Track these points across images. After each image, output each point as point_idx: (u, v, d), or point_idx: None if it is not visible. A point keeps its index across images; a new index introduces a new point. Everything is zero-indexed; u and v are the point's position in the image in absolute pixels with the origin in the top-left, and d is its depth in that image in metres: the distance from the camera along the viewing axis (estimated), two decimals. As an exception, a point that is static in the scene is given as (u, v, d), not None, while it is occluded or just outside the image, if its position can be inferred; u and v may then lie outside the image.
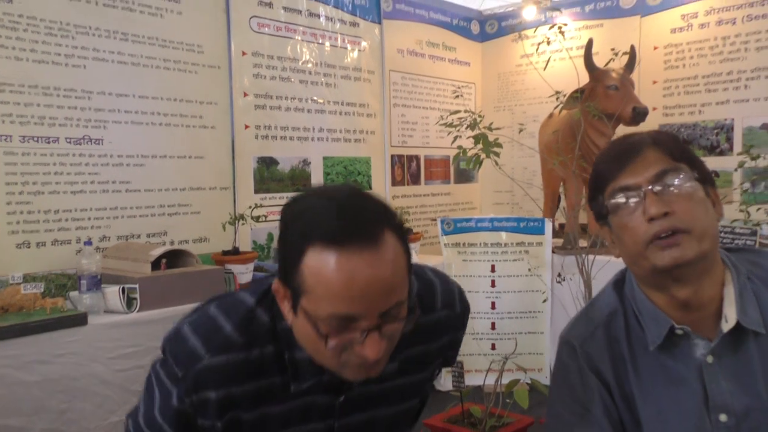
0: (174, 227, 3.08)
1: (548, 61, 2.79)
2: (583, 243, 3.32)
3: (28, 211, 2.63)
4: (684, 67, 3.59)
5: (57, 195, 2.71)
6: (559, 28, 2.62)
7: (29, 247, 2.63)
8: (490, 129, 2.57)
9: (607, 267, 2.50)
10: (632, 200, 1.00)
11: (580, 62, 3.07)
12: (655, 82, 3.60)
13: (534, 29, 3.41)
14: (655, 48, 3.69)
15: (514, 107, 4.43)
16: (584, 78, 3.15)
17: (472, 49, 4.60)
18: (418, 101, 4.27)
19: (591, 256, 2.76)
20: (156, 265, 2.53)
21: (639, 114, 2.79)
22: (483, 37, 4.57)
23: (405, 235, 0.94)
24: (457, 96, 3.95)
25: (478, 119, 2.51)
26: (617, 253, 1.06)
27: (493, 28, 4.52)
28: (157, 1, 3.01)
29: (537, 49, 2.64)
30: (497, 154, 2.58)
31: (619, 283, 1.13)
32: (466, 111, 2.63)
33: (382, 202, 0.94)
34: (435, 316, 1.12)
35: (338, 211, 0.88)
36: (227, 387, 0.98)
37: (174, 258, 2.65)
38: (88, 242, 2.47)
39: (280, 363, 1.00)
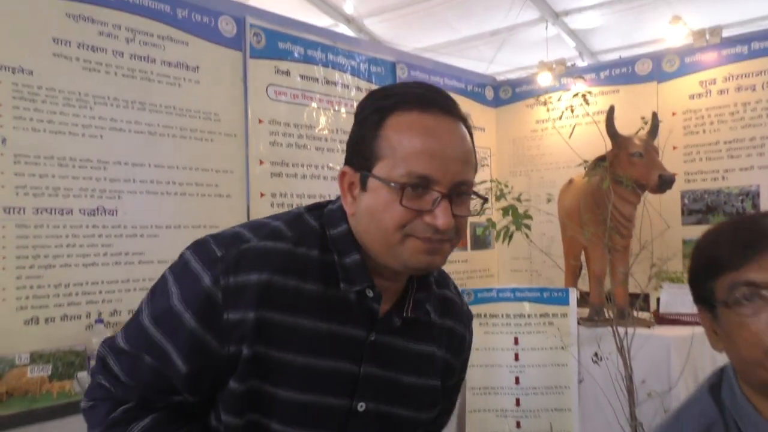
0: (187, 299, 2.98)
1: (573, 128, 2.75)
2: (608, 314, 3.20)
3: (38, 286, 2.54)
4: (704, 132, 3.55)
5: (68, 268, 2.62)
6: (584, 96, 2.58)
7: (37, 324, 2.53)
8: (519, 200, 2.50)
9: (647, 345, 2.38)
10: (760, 300, 0.89)
11: (593, 128, 3.01)
12: (675, 148, 3.56)
13: (549, 96, 3.40)
14: (674, 114, 3.67)
15: (531, 172, 4.39)
16: (598, 143, 3.09)
17: (487, 114, 4.60)
18: (433, 166, 4.21)
19: (628, 331, 2.61)
20: (169, 342, 2.42)
21: (665, 182, 2.73)
22: (497, 102, 4.58)
23: (470, 132, 0.98)
24: (483, 166, 3.91)
25: (506, 189, 2.44)
26: (720, 347, 0.95)
27: (507, 94, 4.53)
28: (176, 71, 3.00)
29: (561, 117, 2.60)
30: (528, 227, 2.50)
31: (715, 387, 1.01)
32: (492, 180, 2.57)
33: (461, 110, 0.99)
34: (453, 295, 1.17)
35: (419, 86, 0.96)
36: (271, 273, 0.92)
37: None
38: (99, 320, 2.38)
39: (324, 271, 0.97)
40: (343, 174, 0.98)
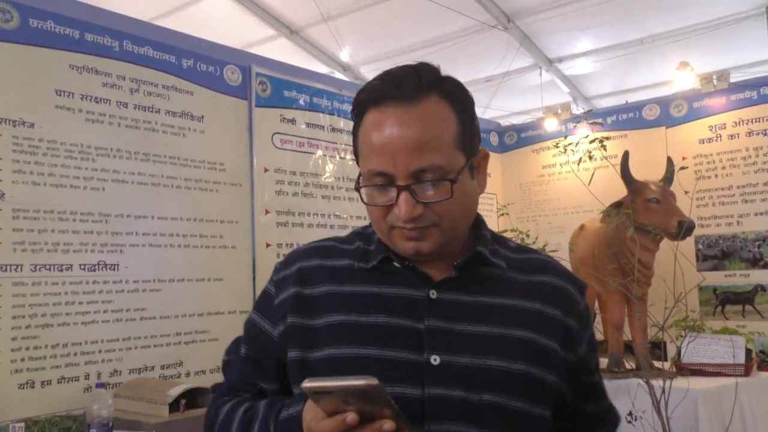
0: (190, 357, 2.84)
1: (593, 173, 2.68)
2: (629, 364, 3.09)
3: (35, 347, 2.40)
4: (716, 177, 3.51)
5: (67, 327, 2.49)
6: (601, 141, 2.53)
7: (33, 387, 2.39)
8: (543, 250, 2.41)
9: (685, 402, 2.25)
10: None
11: (604, 173, 2.95)
12: (687, 193, 3.51)
13: (568, 141, 3.34)
14: (684, 158, 3.63)
15: (539, 218, 4.32)
16: (609, 188, 3.02)
17: (492, 159, 4.53)
18: (439, 213, 4.14)
19: (665, 384, 2.45)
20: (174, 406, 2.28)
21: (686, 228, 2.66)
22: (502, 147, 4.55)
23: (459, 104, 0.97)
24: (502, 215, 3.83)
25: (527, 239, 2.35)
26: None
27: (512, 139, 4.50)
28: (181, 120, 2.93)
29: (579, 162, 2.55)
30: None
31: None
32: (513, 230, 2.49)
33: (438, 71, 0.99)
34: (546, 258, 1.11)
35: (384, 77, 0.97)
36: (311, 260, 1.05)
37: (194, 396, 2.40)
38: (101, 384, 2.24)
39: (362, 252, 1.05)
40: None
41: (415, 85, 0.95)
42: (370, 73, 7.40)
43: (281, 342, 1.02)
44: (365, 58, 7.08)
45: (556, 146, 2.63)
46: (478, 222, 1.07)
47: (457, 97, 0.98)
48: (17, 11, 2.47)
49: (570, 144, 2.44)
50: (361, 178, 0.98)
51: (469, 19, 6.33)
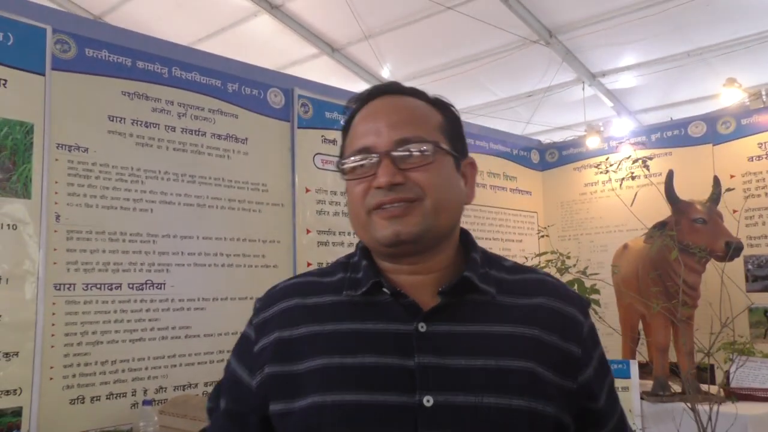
0: (232, 374, 2.90)
1: (636, 194, 2.64)
2: (675, 387, 3.01)
3: (85, 363, 2.49)
4: (766, 195, 3.41)
5: (115, 344, 2.58)
6: (643, 161, 2.50)
7: (83, 403, 2.47)
8: (585, 273, 2.38)
9: (734, 428, 2.18)
10: None
11: (647, 192, 2.89)
12: (735, 212, 3.42)
13: (608, 159, 3.31)
14: (732, 176, 3.54)
15: (580, 236, 4.27)
16: (653, 207, 2.96)
17: (533, 178, 4.53)
18: (480, 231, 4.14)
19: (712, 409, 2.38)
20: (217, 424, 2.32)
21: (734, 249, 2.59)
22: (543, 165, 4.52)
23: (445, 110, 1.02)
24: (542, 236, 3.80)
25: (569, 261, 2.33)
26: None
27: (553, 157, 4.46)
28: (226, 143, 3.02)
29: (621, 182, 2.51)
30: (597, 303, 2.36)
31: None
32: (553, 252, 2.47)
33: (423, 92, 1.03)
34: (544, 277, 1.05)
35: (374, 87, 1.03)
36: (291, 299, 1.00)
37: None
38: (148, 401, 2.31)
39: (344, 284, 1.00)
40: None
41: (399, 86, 1.03)
42: (410, 90, 7.44)
43: (260, 393, 0.96)
44: (406, 74, 7.14)
45: (598, 167, 2.59)
46: (468, 242, 1.03)
47: (444, 105, 1.03)
48: (74, 42, 2.59)
49: (612, 165, 2.41)
50: (343, 168, 0.99)
51: (510, 35, 6.33)
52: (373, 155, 0.95)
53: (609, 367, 1.04)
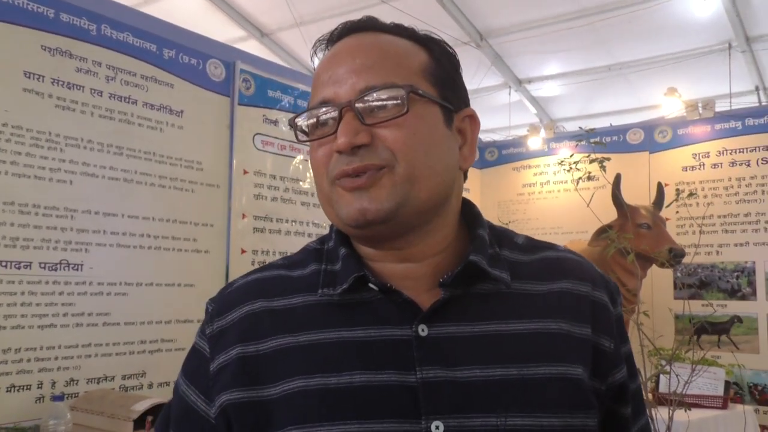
0: (154, 367, 2.64)
1: (592, 195, 2.62)
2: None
3: (-16, 351, 2.17)
4: (698, 205, 3.53)
5: (21, 330, 2.27)
6: (600, 162, 2.48)
7: (-21, 396, 2.15)
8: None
9: (677, 429, 2.17)
10: None
11: (586, 194, 2.90)
12: (668, 219, 3.52)
13: (574, 159, 3.30)
14: (666, 185, 3.65)
15: (516, 237, 4.27)
16: (592, 209, 2.97)
17: (471, 175, 4.48)
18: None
19: (670, 414, 2.39)
20: (140, 423, 2.09)
21: (676, 256, 2.63)
22: (482, 163, 4.49)
23: (429, 45, 0.80)
24: None
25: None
26: None
27: (493, 156, 4.45)
28: (159, 114, 2.74)
29: (577, 184, 2.47)
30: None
31: None
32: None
33: (407, 28, 0.81)
34: (565, 253, 0.84)
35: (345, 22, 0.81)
36: (253, 302, 0.77)
37: (159, 412, 2.21)
38: (59, 397, 2.03)
39: (318, 279, 0.78)
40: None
41: (371, 21, 0.80)
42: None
43: (220, 424, 0.75)
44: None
45: (560, 164, 2.55)
46: (473, 216, 0.83)
47: (432, 42, 0.81)
48: (-12, -18, 2.26)
49: (575, 163, 2.37)
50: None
51: (442, 35, 6.33)
52: (332, 108, 0.73)
53: (636, 367, 0.87)
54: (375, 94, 0.72)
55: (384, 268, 0.77)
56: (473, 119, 0.82)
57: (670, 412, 2.32)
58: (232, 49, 3.13)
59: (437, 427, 0.69)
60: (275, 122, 3.21)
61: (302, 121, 0.76)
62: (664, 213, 3.60)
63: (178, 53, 2.84)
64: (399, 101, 0.72)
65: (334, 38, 0.81)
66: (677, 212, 3.34)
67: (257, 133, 3.13)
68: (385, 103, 0.72)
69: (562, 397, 0.73)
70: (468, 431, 0.69)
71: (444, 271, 0.76)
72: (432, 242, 0.77)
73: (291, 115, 2.83)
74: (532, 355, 0.73)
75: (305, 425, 0.70)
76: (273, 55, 7.10)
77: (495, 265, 0.77)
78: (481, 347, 0.73)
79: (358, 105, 0.72)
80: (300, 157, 3.33)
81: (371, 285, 0.75)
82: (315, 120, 0.75)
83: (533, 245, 0.85)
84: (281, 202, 3.20)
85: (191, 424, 0.77)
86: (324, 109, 0.74)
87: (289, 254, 0.86)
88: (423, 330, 0.72)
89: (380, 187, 0.71)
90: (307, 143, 0.78)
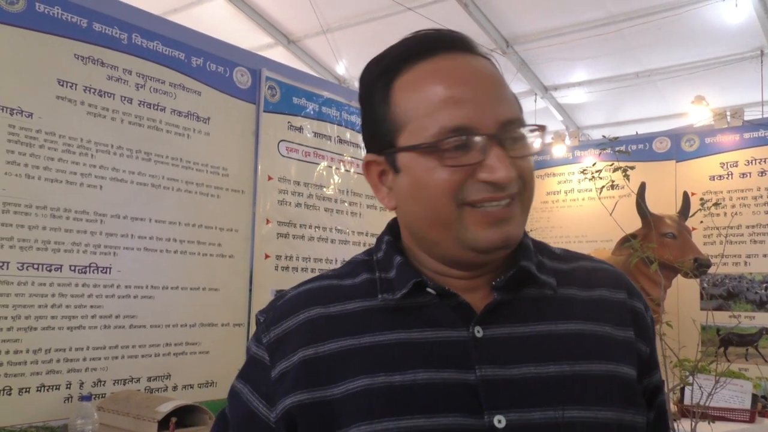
0: (179, 369, 2.69)
1: (615, 204, 2.61)
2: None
3: (15, 351, 2.24)
4: (725, 215, 3.48)
5: (51, 331, 2.33)
6: (624, 171, 2.46)
7: (10, 395, 2.21)
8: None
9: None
10: None
11: (609, 203, 2.87)
12: (694, 229, 3.47)
13: (597, 168, 3.28)
14: (693, 194, 3.60)
15: (539, 245, 4.25)
16: (617, 218, 2.95)
17: (494, 182, 4.48)
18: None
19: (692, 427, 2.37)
20: (164, 424, 2.13)
21: (702, 266, 2.60)
22: (506, 171, 4.48)
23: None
24: None
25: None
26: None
27: (516, 163, 4.43)
28: (186, 120, 2.80)
29: (600, 193, 2.46)
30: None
31: None
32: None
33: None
34: (598, 264, 0.89)
35: (423, 33, 0.80)
36: (309, 309, 0.81)
37: (183, 414, 2.25)
38: (86, 397, 2.08)
39: (373, 286, 0.82)
40: (367, 165, 0.83)
41: (473, 45, 0.81)
42: (367, 88, 7.37)
43: (281, 428, 0.78)
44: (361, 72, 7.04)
45: (582, 172, 2.54)
46: None
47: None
48: (24, -6, 2.33)
49: (598, 171, 2.36)
50: (404, 148, 0.77)
51: (468, 42, 6.33)
52: (476, 138, 0.74)
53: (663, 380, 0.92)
54: (515, 128, 0.76)
55: (441, 279, 0.81)
56: None
57: (693, 424, 2.29)
58: (258, 57, 3.18)
59: (499, 421, 0.73)
60: (300, 129, 3.25)
61: (442, 145, 0.75)
62: (690, 223, 3.55)
63: (205, 61, 2.89)
64: (537, 138, 0.79)
65: (425, 47, 0.79)
66: (702, 222, 3.28)
67: (282, 140, 3.17)
68: (521, 137, 0.77)
69: (614, 393, 0.77)
70: (528, 424, 0.73)
71: (494, 278, 0.81)
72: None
73: (315, 122, 2.86)
74: (582, 353, 0.78)
75: (373, 422, 0.73)
76: (299, 62, 7.17)
77: (542, 272, 0.82)
78: (533, 346, 0.77)
79: (507, 141, 0.75)
80: (324, 163, 3.36)
81: (429, 289, 0.79)
82: (452, 145, 0.74)
83: (570, 255, 0.90)
84: (305, 208, 3.23)
85: (253, 428, 0.80)
86: (464, 135, 0.74)
87: (335, 267, 0.90)
88: (479, 331, 0.77)
89: (515, 215, 0.77)
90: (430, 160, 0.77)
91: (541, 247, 0.89)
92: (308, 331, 0.80)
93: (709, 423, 2.49)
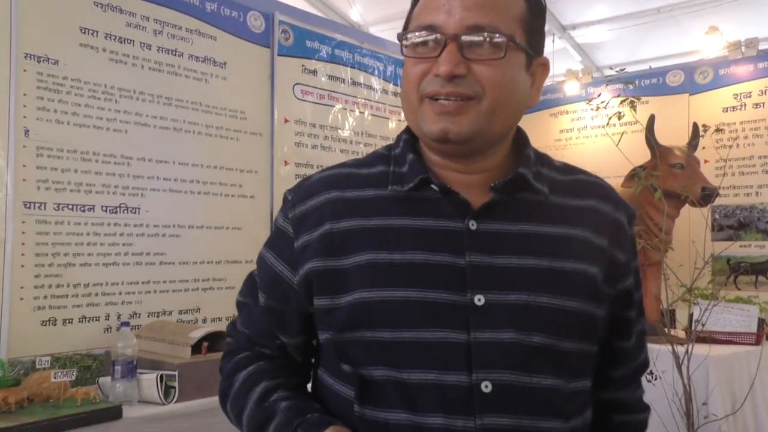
0: (207, 303, 2.85)
1: (621, 135, 2.66)
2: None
3: (57, 285, 2.41)
4: (738, 147, 3.49)
5: (88, 267, 2.49)
6: (631, 102, 2.50)
7: (55, 325, 2.39)
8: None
9: (706, 363, 2.27)
10: None
11: (624, 138, 2.91)
12: (706, 161, 3.49)
13: (604, 101, 3.31)
14: (704, 126, 3.61)
15: (553, 182, 4.30)
16: (628, 153, 2.99)
17: (509, 122, 4.51)
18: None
19: (686, 348, 2.46)
20: (196, 348, 2.29)
21: (709, 195, 2.65)
22: (519, 110, 4.50)
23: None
24: None
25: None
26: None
27: (530, 102, 4.45)
28: (204, 66, 2.89)
29: (607, 124, 2.51)
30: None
31: None
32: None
33: None
34: (595, 179, 1.00)
35: None
36: (329, 191, 0.94)
37: (214, 340, 2.41)
38: (126, 323, 2.24)
39: (387, 177, 0.94)
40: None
41: None
42: (380, 33, 7.29)
43: (302, 290, 0.93)
44: (376, 17, 6.96)
45: (588, 103, 2.59)
46: (522, 138, 0.97)
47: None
48: (43, -57, 2.40)
49: (603, 102, 2.40)
50: (404, 44, 0.90)
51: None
52: (439, 35, 0.85)
53: (641, 280, 1.04)
54: (480, 34, 0.83)
55: (446, 174, 0.92)
56: (545, 67, 0.95)
57: (689, 347, 2.40)
58: (270, 0, 3.22)
59: (479, 300, 0.85)
60: (314, 72, 3.32)
61: (412, 39, 0.88)
62: (702, 154, 3.58)
63: (219, 6, 2.95)
64: (498, 46, 0.84)
65: None
66: (704, 148, 3.27)
67: (297, 83, 3.25)
68: (486, 43, 0.84)
69: (581, 287, 0.89)
70: (503, 304, 0.86)
71: (495, 181, 0.91)
72: (490, 160, 0.93)
73: (329, 65, 2.94)
74: (559, 252, 0.89)
75: (373, 289, 0.87)
76: (310, 7, 7.13)
77: (537, 180, 0.92)
78: (519, 242, 0.89)
79: (463, 38, 0.84)
80: (338, 106, 3.44)
81: (433, 186, 0.90)
82: (419, 40, 0.87)
83: (569, 168, 1.00)
84: (321, 149, 3.33)
85: (279, 287, 0.96)
86: (433, 36, 0.85)
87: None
88: (473, 224, 0.88)
89: (465, 115, 0.85)
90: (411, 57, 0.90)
91: (543, 159, 0.98)
92: (327, 211, 0.92)
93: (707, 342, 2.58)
